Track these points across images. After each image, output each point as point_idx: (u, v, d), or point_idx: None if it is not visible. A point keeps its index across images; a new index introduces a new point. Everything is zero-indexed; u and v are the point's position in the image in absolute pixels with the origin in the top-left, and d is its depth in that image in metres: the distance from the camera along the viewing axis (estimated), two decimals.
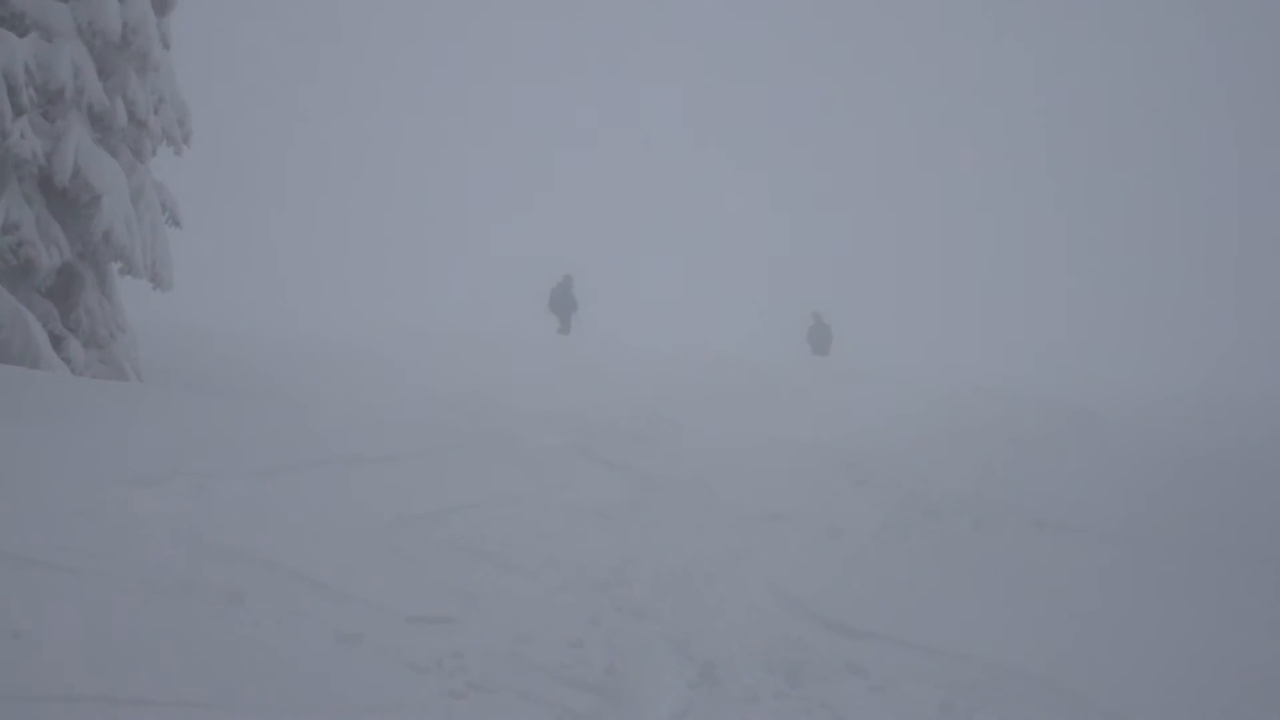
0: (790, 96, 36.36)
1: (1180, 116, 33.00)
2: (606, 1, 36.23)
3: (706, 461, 6.92)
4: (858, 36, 36.56)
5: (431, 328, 14.16)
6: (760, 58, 37.03)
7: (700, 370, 11.48)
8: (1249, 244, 28.50)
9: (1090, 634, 4.15)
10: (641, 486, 6.16)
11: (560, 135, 34.92)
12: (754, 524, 5.53)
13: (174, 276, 7.75)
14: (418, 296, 23.36)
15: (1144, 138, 32.87)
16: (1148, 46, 34.16)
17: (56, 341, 7.06)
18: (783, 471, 6.79)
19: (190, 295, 10.34)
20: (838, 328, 15.78)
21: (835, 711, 3.30)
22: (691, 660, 3.63)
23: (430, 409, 8.09)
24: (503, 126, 35.46)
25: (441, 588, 4.02)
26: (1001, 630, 4.10)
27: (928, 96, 35.63)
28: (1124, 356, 21.33)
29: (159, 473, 4.74)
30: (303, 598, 3.66)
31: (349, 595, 3.76)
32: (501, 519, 5.12)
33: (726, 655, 3.69)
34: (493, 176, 33.41)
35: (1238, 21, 32.57)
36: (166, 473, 4.76)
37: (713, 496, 6.06)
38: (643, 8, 37.48)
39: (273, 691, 2.92)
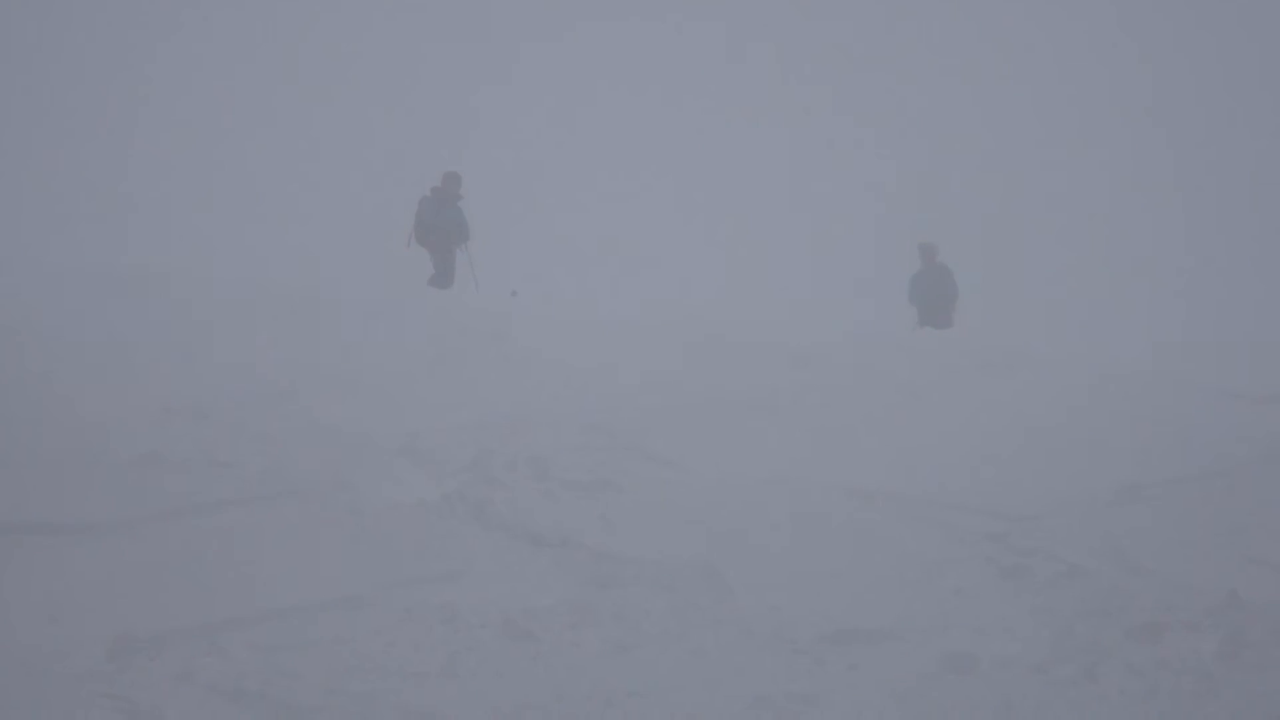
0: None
1: None
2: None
3: (712, 529, 6.88)
4: None
5: (208, 277, 14.08)
6: None
7: (706, 356, 11.30)
8: None
9: None
10: (592, 580, 6.11)
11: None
12: (812, 655, 5.45)
13: None
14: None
15: None
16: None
17: None
18: (855, 546, 6.79)
19: None
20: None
21: None
22: None
23: (173, 429, 8.00)
24: None
25: None
26: None
27: None
28: None
29: None
30: None
31: None
32: (307, 654, 5.08)
33: None
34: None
35: None
36: None
37: (725, 598, 5.99)
38: None
39: None
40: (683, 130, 42.87)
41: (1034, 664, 5.33)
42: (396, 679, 4.89)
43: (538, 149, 39.49)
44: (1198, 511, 7.59)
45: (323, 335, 11.24)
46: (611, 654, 5.29)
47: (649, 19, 46.24)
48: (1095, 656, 5.40)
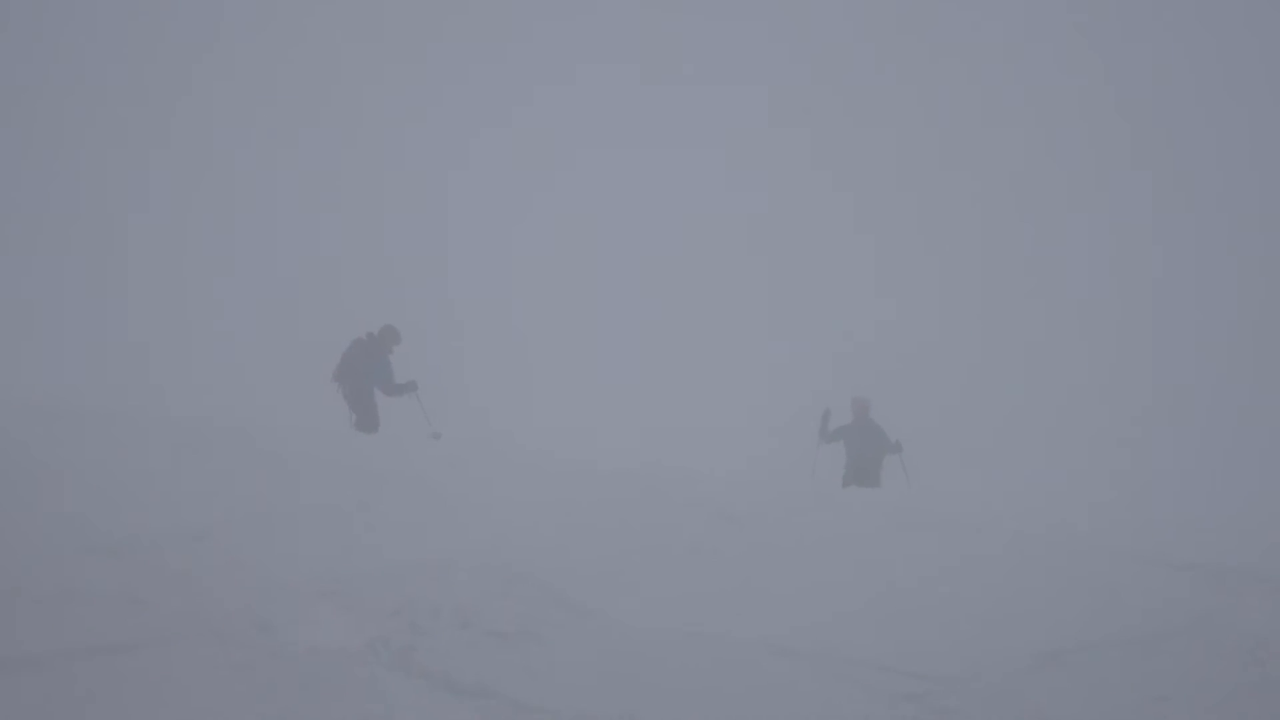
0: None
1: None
2: None
3: (634, 681, 6.84)
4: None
5: (136, 414, 13.95)
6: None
7: (631, 504, 11.29)
8: None
9: None
10: None
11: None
12: None
13: None
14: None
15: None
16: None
17: None
18: (783, 708, 6.74)
19: None
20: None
21: None
22: None
23: (91, 566, 7.90)
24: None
25: None
26: None
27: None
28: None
29: None
30: None
31: None
32: None
33: None
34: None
35: None
36: None
37: None
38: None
39: None
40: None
41: None
42: None
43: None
44: (1117, 679, 7.58)
45: (247, 476, 11.13)
46: None
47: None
48: None
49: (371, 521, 9.77)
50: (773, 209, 45.04)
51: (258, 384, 29.91)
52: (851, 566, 9.76)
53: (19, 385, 18.77)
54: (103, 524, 8.94)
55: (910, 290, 42.61)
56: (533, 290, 40.09)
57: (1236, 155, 43.66)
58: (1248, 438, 32.89)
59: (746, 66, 47.32)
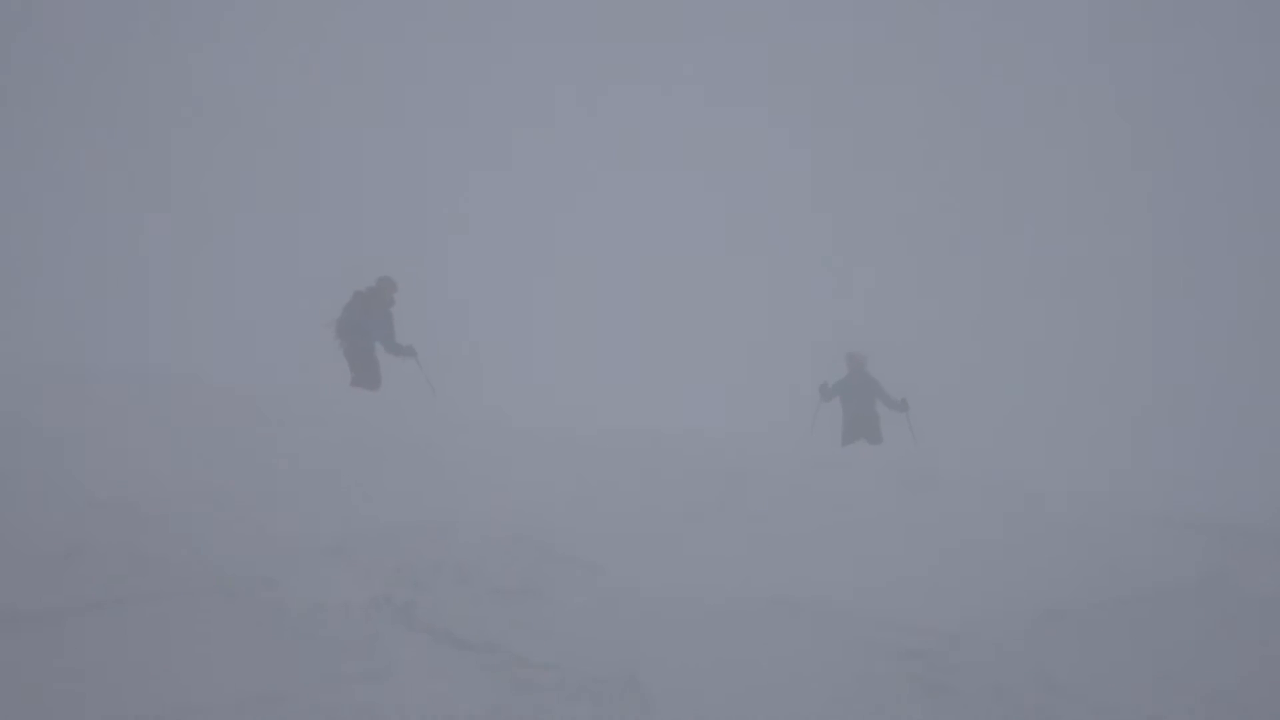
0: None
1: None
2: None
3: (636, 639, 6.80)
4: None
5: (140, 374, 13.95)
6: None
7: (638, 467, 11.36)
8: None
9: None
10: (514, 687, 6.02)
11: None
12: None
13: None
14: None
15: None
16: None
17: None
18: (785, 665, 6.67)
19: None
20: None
21: None
22: None
23: (100, 523, 7.88)
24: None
25: None
26: None
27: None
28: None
29: None
30: None
31: None
32: None
33: None
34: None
35: None
36: None
37: (647, 710, 5.92)
38: None
39: None
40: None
41: None
42: None
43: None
44: (1122, 636, 7.56)
45: (254, 435, 11.16)
46: None
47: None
48: None
49: (373, 484, 9.80)
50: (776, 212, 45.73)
51: (260, 346, 30.02)
52: (857, 525, 9.77)
53: (23, 346, 18.84)
54: (107, 482, 8.97)
55: (912, 292, 43.24)
56: (539, 284, 40.78)
57: (1237, 155, 44.16)
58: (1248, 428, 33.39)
59: (751, 83, 48.11)
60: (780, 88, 48.05)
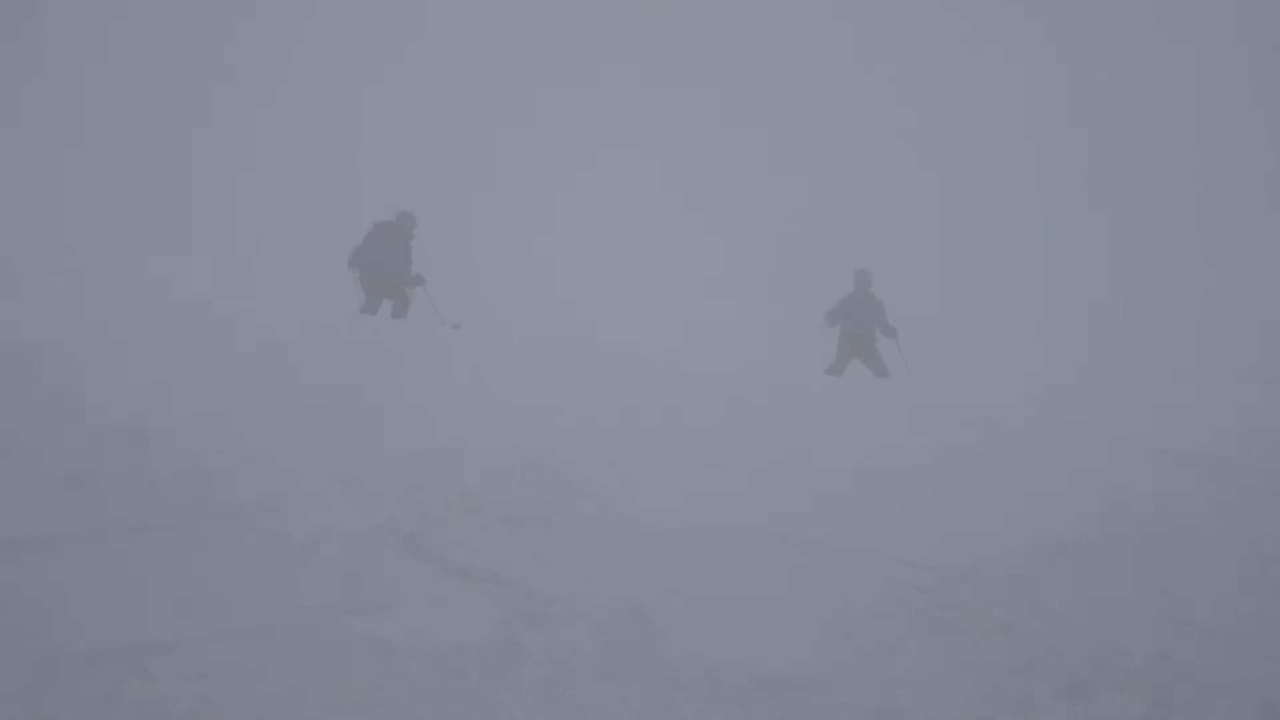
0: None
1: None
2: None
3: (643, 571, 6.76)
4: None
5: (143, 294, 14.00)
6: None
7: (640, 394, 11.38)
8: None
9: None
10: (519, 618, 5.97)
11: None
12: (739, 703, 5.34)
13: None
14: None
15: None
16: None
17: None
18: (787, 594, 6.67)
19: None
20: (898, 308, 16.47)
21: None
22: None
23: (105, 449, 7.88)
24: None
25: None
26: None
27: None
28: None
29: None
30: None
31: None
32: (236, 681, 4.93)
33: None
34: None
35: None
36: None
37: (654, 642, 5.88)
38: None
39: None
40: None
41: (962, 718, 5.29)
42: (325, 710, 4.76)
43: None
44: (1127, 571, 7.56)
45: (261, 359, 11.16)
46: (540, 692, 5.18)
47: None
48: (1024, 714, 5.37)
49: (380, 409, 9.79)
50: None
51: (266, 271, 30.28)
52: (863, 460, 9.77)
53: (23, 267, 18.86)
54: (117, 406, 8.95)
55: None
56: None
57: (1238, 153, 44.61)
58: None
59: (740, 67, 49.23)
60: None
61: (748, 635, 6.06)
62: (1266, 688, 5.86)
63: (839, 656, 5.89)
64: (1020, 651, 6.12)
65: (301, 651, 5.27)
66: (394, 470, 8.03)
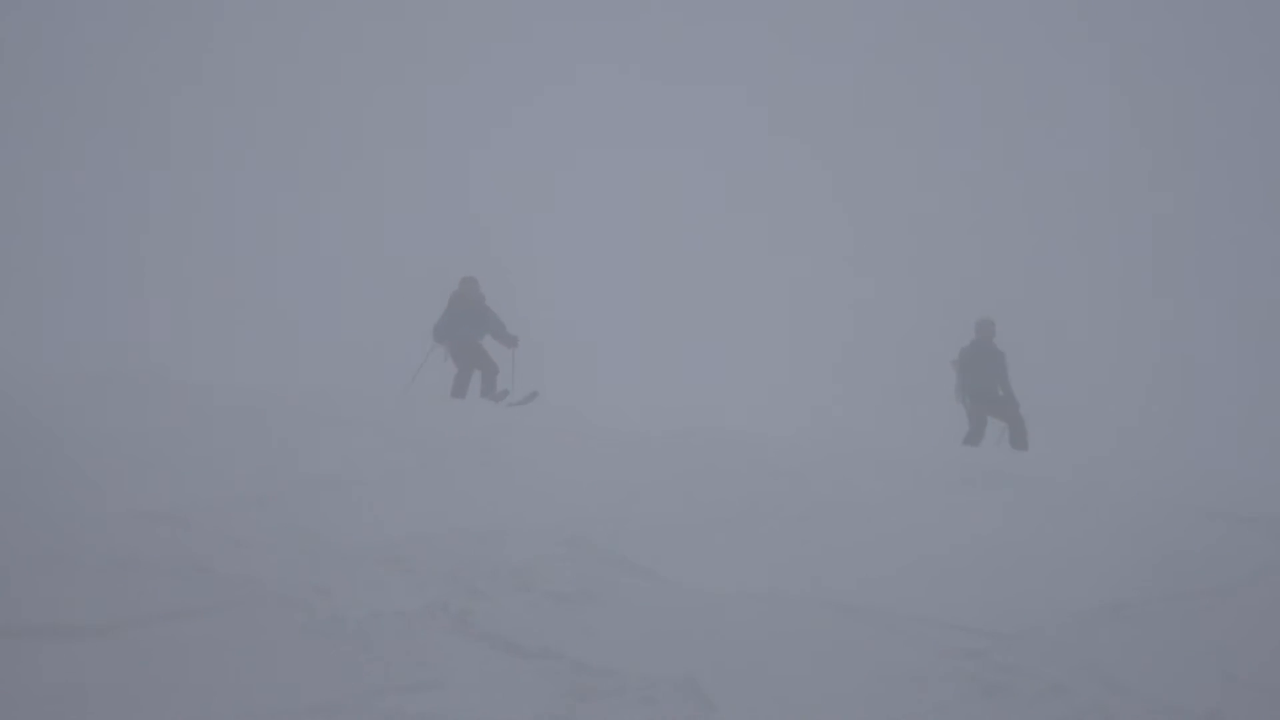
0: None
1: None
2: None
3: (697, 644, 6.78)
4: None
5: (189, 382, 14.01)
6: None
7: (687, 466, 11.27)
8: None
9: None
10: (573, 692, 6.02)
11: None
12: None
13: None
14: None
15: None
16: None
17: None
18: (838, 661, 6.68)
19: None
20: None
21: None
22: None
23: (151, 534, 7.96)
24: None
25: None
26: None
27: None
28: None
29: None
30: None
31: None
32: None
33: None
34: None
35: None
36: None
37: (706, 713, 5.94)
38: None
39: None
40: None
41: None
42: None
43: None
44: (1180, 631, 7.51)
45: (306, 442, 11.18)
46: None
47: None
48: None
49: (429, 488, 9.80)
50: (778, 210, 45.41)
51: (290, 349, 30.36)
52: (911, 523, 9.70)
53: (71, 354, 19.01)
54: (165, 490, 9.02)
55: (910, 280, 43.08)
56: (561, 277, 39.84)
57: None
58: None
59: (742, 67, 48.00)
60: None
61: (800, 703, 6.09)
62: None
63: None
64: (1073, 713, 6.13)
65: None
66: (441, 549, 8.06)
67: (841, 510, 10.16)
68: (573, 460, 11.35)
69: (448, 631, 6.60)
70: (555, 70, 47.53)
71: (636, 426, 13.65)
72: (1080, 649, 7.01)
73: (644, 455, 11.82)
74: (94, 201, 41.24)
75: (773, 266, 41.77)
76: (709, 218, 44.17)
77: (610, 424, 13.69)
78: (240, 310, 35.94)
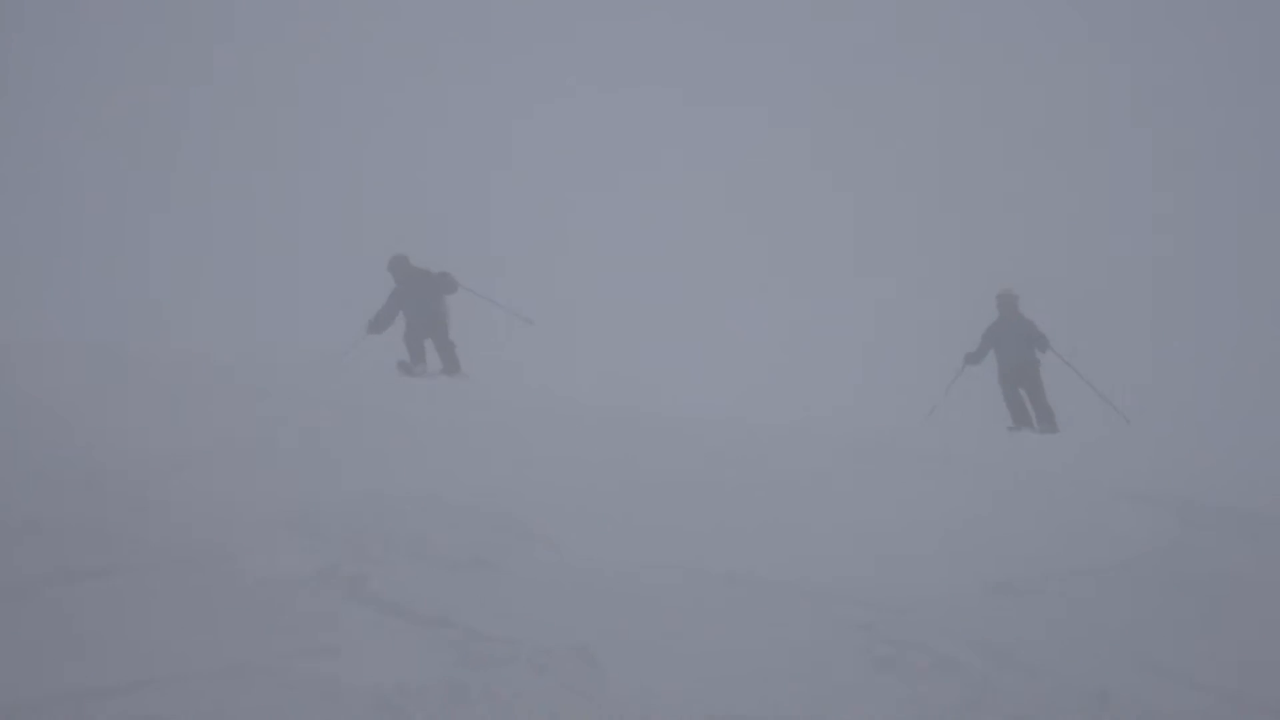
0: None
1: None
2: None
3: (594, 615, 6.77)
4: None
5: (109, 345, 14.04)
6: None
7: (626, 446, 11.42)
8: None
9: None
10: (462, 659, 6.00)
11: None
12: None
13: None
14: None
15: None
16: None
17: None
18: (736, 634, 6.68)
19: None
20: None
21: None
22: None
23: (59, 497, 7.99)
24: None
25: None
26: None
27: None
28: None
29: None
30: None
31: None
32: None
33: None
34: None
35: None
36: None
37: (599, 682, 5.90)
38: None
39: None
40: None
41: None
42: None
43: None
44: (1078, 610, 7.58)
45: (228, 408, 11.20)
46: None
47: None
48: None
49: (339, 454, 9.84)
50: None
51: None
52: (821, 502, 9.82)
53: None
54: (81, 454, 9.02)
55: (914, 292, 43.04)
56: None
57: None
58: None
59: (751, 83, 48.27)
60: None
61: (695, 676, 6.04)
62: None
63: (784, 695, 5.90)
64: (963, 688, 6.14)
65: (248, 694, 5.30)
66: (340, 514, 8.08)
67: (761, 489, 10.26)
68: (496, 433, 11.41)
69: (341, 597, 6.59)
70: (551, 86, 47.89)
71: (581, 404, 13.73)
72: (966, 622, 7.07)
73: (574, 431, 11.89)
74: (94, 202, 41.51)
75: (772, 265, 42.12)
76: (709, 217, 44.56)
77: (548, 403, 13.78)
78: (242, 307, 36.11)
